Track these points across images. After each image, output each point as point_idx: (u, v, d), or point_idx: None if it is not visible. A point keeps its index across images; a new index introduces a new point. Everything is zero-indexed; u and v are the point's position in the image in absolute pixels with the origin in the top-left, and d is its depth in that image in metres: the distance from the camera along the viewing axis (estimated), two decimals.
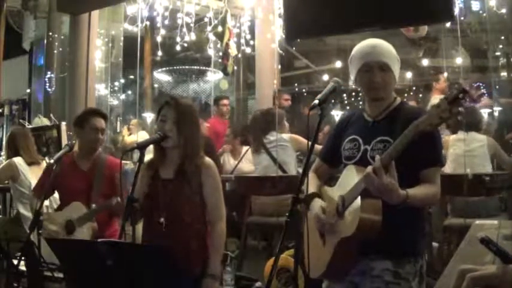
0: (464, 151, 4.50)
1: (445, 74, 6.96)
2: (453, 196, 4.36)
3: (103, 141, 3.55)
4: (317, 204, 2.17)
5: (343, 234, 2.02)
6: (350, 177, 2.08)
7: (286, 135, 5.01)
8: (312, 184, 2.27)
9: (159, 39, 7.26)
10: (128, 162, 6.31)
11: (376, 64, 2.13)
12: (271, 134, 5.04)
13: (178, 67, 11.03)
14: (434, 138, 2.05)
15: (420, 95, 9.78)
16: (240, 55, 7.58)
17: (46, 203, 3.82)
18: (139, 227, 2.59)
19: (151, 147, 2.59)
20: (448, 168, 4.61)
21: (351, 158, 2.19)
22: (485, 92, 7.34)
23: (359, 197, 1.97)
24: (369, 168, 1.86)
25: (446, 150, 4.70)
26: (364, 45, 2.21)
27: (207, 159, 2.60)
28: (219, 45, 7.31)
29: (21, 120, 8.28)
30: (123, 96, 9.77)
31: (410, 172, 1.99)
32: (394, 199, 1.89)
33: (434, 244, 4.38)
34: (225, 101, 7.20)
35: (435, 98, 6.06)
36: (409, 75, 9.68)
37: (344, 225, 2.03)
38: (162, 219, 2.47)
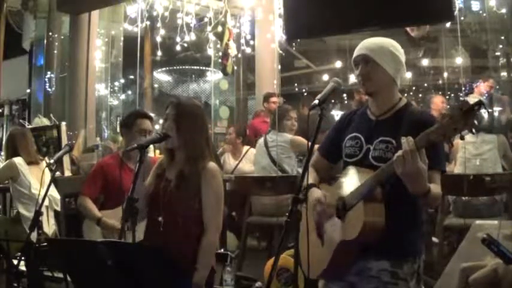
0: (473, 155, 4.48)
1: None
2: (454, 196, 4.36)
3: None
4: (316, 192, 2.15)
5: (344, 237, 2.02)
6: (351, 179, 2.07)
7: (288, 136, 4.99)
8: (309, 177, 2.24)
9: (159, 39, 7.26)
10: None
11: (359, 58, 2.18)
12: (273, 132, 5.06)
13: (178, 67, 11.03)
14: (439, 144, 2.01)
15: (420, 95, 9.78)
16: (240, 55, 7.57)
17: (46, 203, 3.83)
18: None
19: (151, 146, 2.59)
20: (456, 172, 4.59)
21: (352, 156, 2.18)
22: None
23: (362, 200, 1.97)
24: (406, 146, 1.79)
25: (456, 153, 4.68)
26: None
27: (211, 164, 2.51)
28: (219, 45, 7.31)
29: (21, 120, 8.28)
30: (123, 96, 9.77)
31: None
32: (420, 187, 1.85)
33: (434, 239, 4.35)
34: (275, 98, 6.81)
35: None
36: (409, 75, 9.68)
37: (346, 228, 2.03)
38: (160, 218, 2.46)
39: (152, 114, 7.45)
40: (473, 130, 1.70)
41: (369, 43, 2.20)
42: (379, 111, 2.19)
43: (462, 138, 1.75)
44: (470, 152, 4.50)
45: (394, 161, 1.83)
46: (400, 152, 1.81)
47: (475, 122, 1.68)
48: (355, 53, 2.21)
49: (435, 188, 1.96)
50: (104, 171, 3.53)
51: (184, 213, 2.46)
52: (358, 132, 2.20)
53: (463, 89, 6.25)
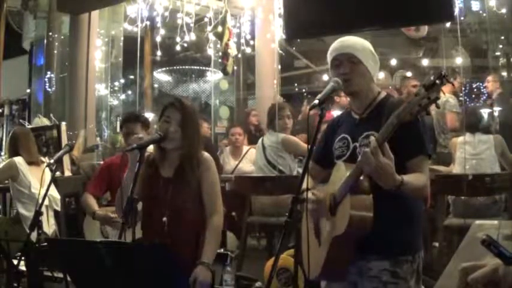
0: (471, 155, 4.50)
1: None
2: (454, 196, 4.36)
3: None
4: (308, 194, 2.15)
5: (335, 232, 2.02)
6: (340, 174, 2.08)
7: (280, 136, 4.91)
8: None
9: (159, 39, 7.26)
10: None
11: (343, 56, 2.17)
12: (270, 131, 5.04)
13: (178, 67, 11.03)
14: (419, 128, 2.05)
15: None
16: (240, 55, 7.57)
17: (46, 202, 3.83)
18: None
19: (152, 145, 2.59)
20: (455, 172, 4.61)
21: (341, 156, 2.20)
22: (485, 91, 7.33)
23: (348, 194, 1.97)
24: (366, 149, 1.84)
25: (454, 152, 4.71)
26: (334, 42, 2.25)
27: (205, 154, 2.61)
28: (219, 45, 7.31)
29: (21, 120, 8.28)
30: (123, 96, 9.76)
31: (398, 164, 1.94)
32: (390, 182, 1.87)
33: (435, 244, 4.38)
34: None
35: (444, 97, 5.95)
36: (409, 75, 9.67)
37: (335, 223, 2.03)
38: (164, 219, 2.47)
39: (152, 115, 7.44)
40: (439, 106, 1.74)
41: (351, 42, 2.21)
42: (361, 109, 2.22)
43: (428, 113, 1.79)
44: (468, 152, 4.53)
45: (358, 161, 1.88)
46: (362, 151, 1.86)
47: (438, 96, 1.71)
48: (337, 52, 2.19)
49: (415, 178, 1.97)
50: (109, 171, 3.57)
51: (190, 208, 2.50)
52: (345, 133, 2.23)
53: (463, 88, 6.24)
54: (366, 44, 2.23)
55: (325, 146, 2.34)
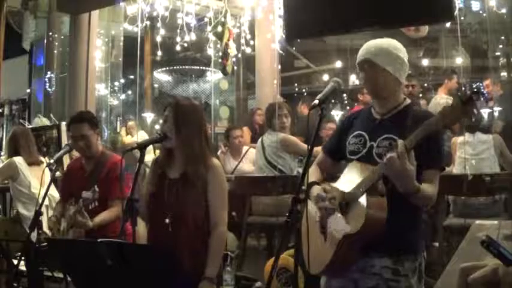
0: (471, 155, 4.52)
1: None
2: (454, 196, 4.37)
3: (88, 146, 3.35)
4: (317, 188, 2.16)
5: (348, 230, 2.02)
6: (354, 174, 2.09)
7: (279, 135, 4.90)
8: (312, 176, 2.26)
9: (159, 39, 7.27)
10: None
11: (363, 62, 2.19)
12: (269, 131, 5.04)
13: (178, 67, 11.04)
14: (440, 142, 2.10)
15: (420, 95, 9.77)
16: (240, 55, 7.58)
17: (46, 202, 3.83)
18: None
19: (151, 146, 2.59)
20: (455, 171, 4.62)
21: (355, 153, 2.20)
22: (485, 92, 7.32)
23: (365, 194, 1.99)
24: (392, 154, 1.89)
25: (454, 153, 4.71)
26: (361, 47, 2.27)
27: (216, 161, 2.58)
28: (219, 45, 7.31)
29: (21, 120, 8.28)
30: (123, 96, 9.77)
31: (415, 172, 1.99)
32: (409, 187, 1.93)
33: (435, 244, 4.38)
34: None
35: (441, 98, 5.97)
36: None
37: (349, 221, 2.04)
38: (167, 220, 2.46)
39: (152, 114, 7.41)
40: (473, 119, 1.83)
41: (369, 47, 2.21)
42: (383, 110, 2.21)
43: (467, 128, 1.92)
44: (468, 152, 4.53)
45: (384, 162, 1.92)
46: (389, 155, 1.90)
47: (474, 110, 1.80)
48: (358, 58, 2.21)
49: (428, 187, 2.02)
50: (67, 174, 3.54)
51: (194, 211, 2.48)
52: (362, 131, 2.22)
53: (463, 88, 6.24)
54: (386, 45, 2.20)
55: (339, 139, 2.33)
